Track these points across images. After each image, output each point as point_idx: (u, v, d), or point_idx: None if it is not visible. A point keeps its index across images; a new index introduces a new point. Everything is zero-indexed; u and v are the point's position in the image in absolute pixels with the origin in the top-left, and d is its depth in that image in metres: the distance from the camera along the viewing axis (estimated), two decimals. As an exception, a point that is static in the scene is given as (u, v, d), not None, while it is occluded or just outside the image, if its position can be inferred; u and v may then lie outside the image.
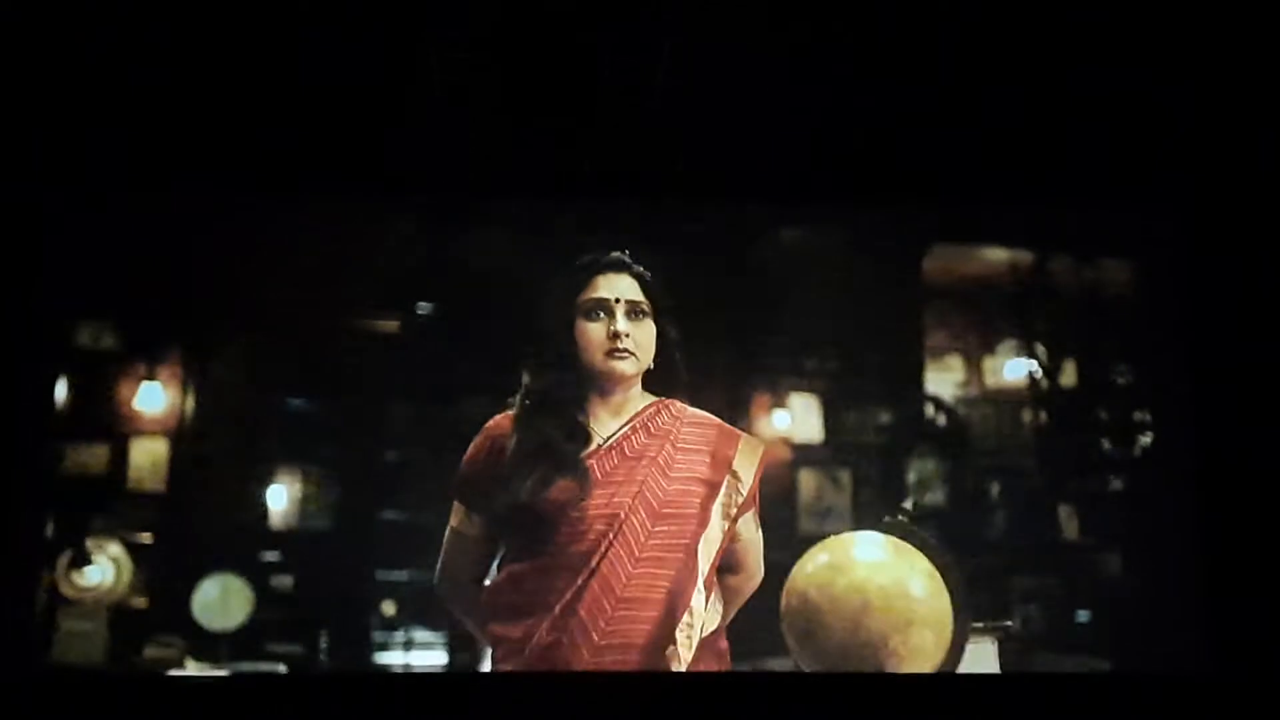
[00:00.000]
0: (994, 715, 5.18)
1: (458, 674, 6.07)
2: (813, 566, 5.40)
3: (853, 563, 5.37)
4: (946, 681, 5.06)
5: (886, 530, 5.36)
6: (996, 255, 6.40)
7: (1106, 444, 6.32)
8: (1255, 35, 5.35)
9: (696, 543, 4.99)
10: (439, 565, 5.25)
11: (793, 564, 5.17)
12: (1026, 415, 6.39)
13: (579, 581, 4.89)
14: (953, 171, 5.66)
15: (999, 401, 6.40)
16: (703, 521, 5.04)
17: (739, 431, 5.19)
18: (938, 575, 5.23)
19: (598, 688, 4.93)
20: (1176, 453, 5.85)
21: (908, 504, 5.54)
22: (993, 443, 6.40)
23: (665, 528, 4.99)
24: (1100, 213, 6.05)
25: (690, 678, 4.95)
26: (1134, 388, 6.29)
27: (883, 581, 5.27)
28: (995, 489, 6.31)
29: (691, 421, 5.09)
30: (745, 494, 5.07)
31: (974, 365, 6.41)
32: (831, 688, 5.25)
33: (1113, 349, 6.35)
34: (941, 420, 6.36)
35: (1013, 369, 6.40)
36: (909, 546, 5.30)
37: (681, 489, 5.04)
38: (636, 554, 4.96)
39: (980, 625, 5.10)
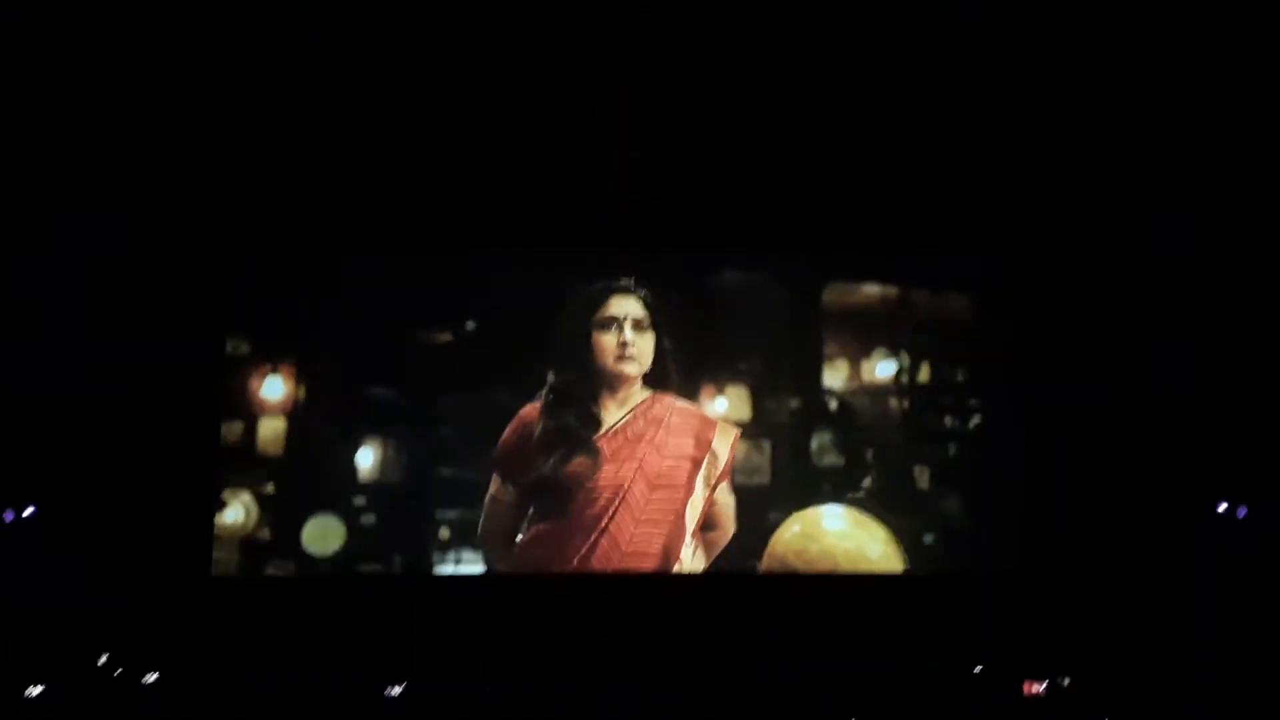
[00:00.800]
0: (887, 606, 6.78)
1: (493, 576, 6.86)
2: (789, 535, 6.69)
3: (822, 532, 6.68)
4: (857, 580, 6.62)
5: (849, 504, 6.67)
6: (872, 289, 7.39)
7: (949, 421, 7.37)
8: (1081, 105, 6.93)
9: (684, 507, 6.18)
10: (480, 524, 6.54)
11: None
12: (893, 402, 7.32)
13: (592, 539, 6.19)
14: (844, 229, 7.25)
15: (874, 392, 7.29)
16: (689, 490, 6.20)
17: (716, 419, 6.35)
18: (893, 541, 6.62)
19: (608, 586, 6.45)
20: (999, 427, 7.38)
21: (865, 482, 6.85)
22: (869, 420, 7.25)
23: (660, 495, 6.21)
24: (948, 258, 7.51)
25: (682, 578, 6.27)
26: (969, 382, 7.43)
27: (848, 547, 6.68)
28: (870, 453, 7.22)
29: (679, 411, 6.29)
30: (721, 467, 6.24)
31: (856, 366, 7.29)
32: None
33: (954, 354, 7.43)
34: (834, 405, 7.24)
35: (883, 369, 7.30)
36: (867, 518, 6.64)
37: (673, 464, 6.21)
38: (638, 517, 6.22)
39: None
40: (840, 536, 6.62)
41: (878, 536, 6.63)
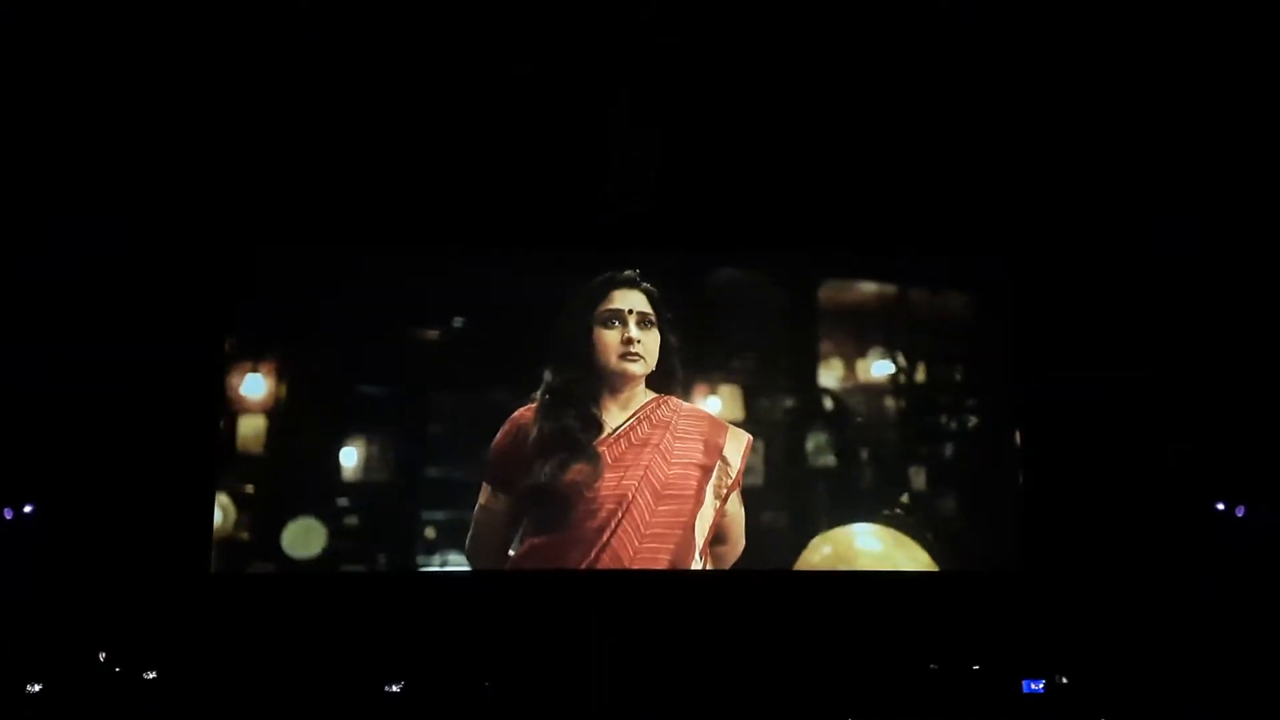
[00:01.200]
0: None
1: (482, 573, 6.73)
2: (818, 557, 6.38)
3: (855, 553, 6.38)
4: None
5: (885, 522, 6.48)
6: (868, 288, 7.44)
7: (946, 420, 7.43)
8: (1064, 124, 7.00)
9: (694, 520, 5.78)
10: (470, 536, 6.18)
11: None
12: (889, 401, 7.35)
13: (592, 554, 5.76)
14: (842, 228, 7.33)
15: (869, 392, 7.34)
16: (698, 501, 5.80)
17: (727, 423, 6.01)
18: (935, 565, 6.38)
19: (604, 584, 6.31)
20: (995, 429, 7.44)
21: (903, 498, 6.74)
22: (864, 420, 7.29)
23: (667, 507, 5.80)
24: (946, 258, 7.58)
25: (675, 576, 6.01)
26: (966, 382, 7.51)
27: (884, 570, 6.37)
28: (865, 453, 7.26)
29: (687, 414, 5.97)
30: (733, 477, 5.86)
31: (851, 365, 7.34)
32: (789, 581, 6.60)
33: (951, 355, 7.50)
34: (829, 404, 7.26)
35: (879, 368, 7.35)
36: (906, 537, 6.45)
37: (680, 473, 5.81)
38: (642, 530, 5.80)
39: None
40: (876, 558, 6.43)
41: (918, 559, 6.48)
